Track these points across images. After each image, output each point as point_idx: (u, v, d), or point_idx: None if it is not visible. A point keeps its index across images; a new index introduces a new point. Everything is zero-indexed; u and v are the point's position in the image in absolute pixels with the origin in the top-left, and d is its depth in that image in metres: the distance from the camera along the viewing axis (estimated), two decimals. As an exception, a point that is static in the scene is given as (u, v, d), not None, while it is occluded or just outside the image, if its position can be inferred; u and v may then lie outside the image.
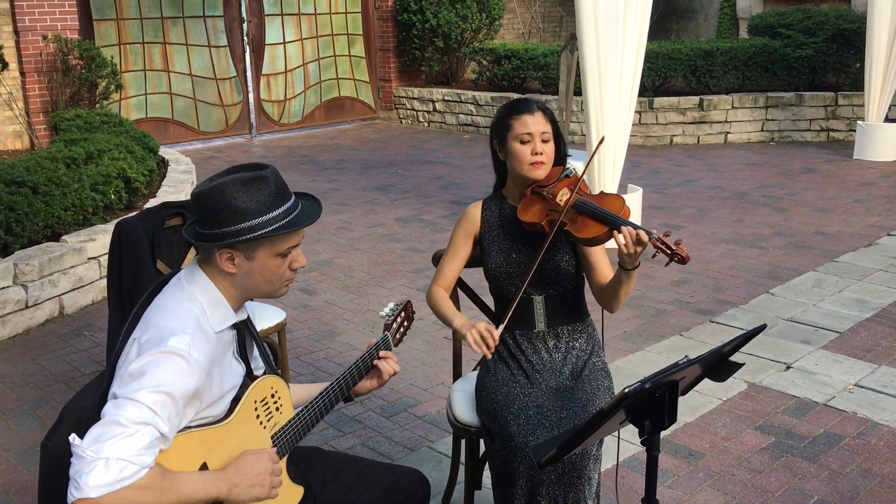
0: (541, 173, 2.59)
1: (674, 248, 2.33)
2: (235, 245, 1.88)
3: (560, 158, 2.66)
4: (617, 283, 2.51)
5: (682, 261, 2.33)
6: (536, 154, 2.56)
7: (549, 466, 2.26)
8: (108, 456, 1.63)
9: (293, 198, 1.96)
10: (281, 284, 1.98)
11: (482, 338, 2.39)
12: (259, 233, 1.86)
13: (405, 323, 2.43)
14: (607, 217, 2.46)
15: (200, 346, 1.82)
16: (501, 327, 2.47)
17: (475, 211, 2.74)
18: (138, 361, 1.75)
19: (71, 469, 1.64)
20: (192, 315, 1.86)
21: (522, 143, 2.56)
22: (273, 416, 2.01)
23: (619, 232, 2.37)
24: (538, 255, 2.52)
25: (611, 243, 2.46)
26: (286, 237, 1.92)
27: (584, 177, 2.57)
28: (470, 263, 2.79)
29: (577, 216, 2.51)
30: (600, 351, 2.72)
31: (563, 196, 2.55)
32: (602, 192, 2.64)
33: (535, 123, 2.56)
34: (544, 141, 2.57)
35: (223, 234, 1.86)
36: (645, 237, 2.34)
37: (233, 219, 1.86)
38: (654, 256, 2.42)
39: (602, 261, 2.66)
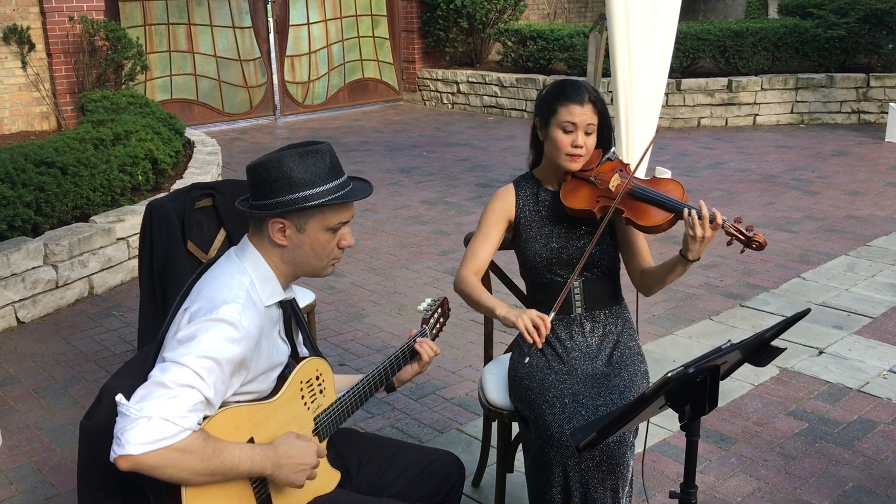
0: (576, 166, 2.51)
1: (748, 234, 2.27)
2: (288, 215, 1.89)
3: (605, 145, 2.58)
4: (670, 270, 2.47)
5: (760, 247, 2.27)
6: (576, 147, 2.48)
7: (587, 451, 2.24)
8: (150, 415, 1.64)
9: (346, 175, 1.97)
10: (328, 262, 1.99)
11: (534, 326, 2.33)
12: (313, 203, 1.87)
13: (441, 319, 2.41)
14: (671, 203, 2.40)
15: (251, 315, 1.84)
16: (552, 314, 2.39)
17: (509, 194, 2.65)
18: (188, 328, 1.77)
19: (115, 427, 1.66)
20: (242, 287, 1.88)
21: (565, 131, 2.47)
22: (317, 398, 2.03)
23: (690, 216, 2.31)
24: (591, 244, 2.47)
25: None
26: (338, 211, 1.93)
27: (629, 161, 2.52)
28: (500, 247, 2.75)
29: (634, 202, 2.45)
30: (634, 334, 2.68)
31: (615, 181, 2.48)
32: (654, 178, 2.56)
33: (581, 114, 2.46)
34: (587, 133, 2.49)
35: (277, 204, 1.88)
36: (720, 218, 2.29)
37: (288, 188, 1.87)
38: (729, 244, 2.34)
39: (644, 246, 2.62)
